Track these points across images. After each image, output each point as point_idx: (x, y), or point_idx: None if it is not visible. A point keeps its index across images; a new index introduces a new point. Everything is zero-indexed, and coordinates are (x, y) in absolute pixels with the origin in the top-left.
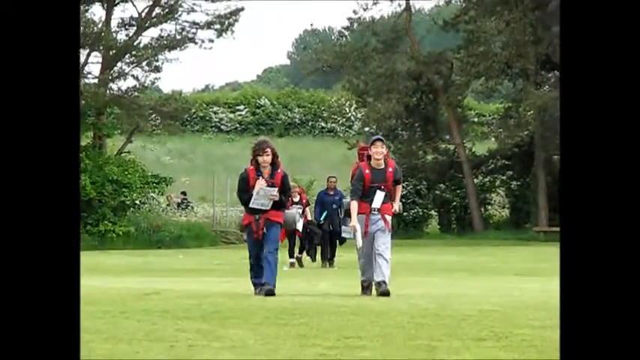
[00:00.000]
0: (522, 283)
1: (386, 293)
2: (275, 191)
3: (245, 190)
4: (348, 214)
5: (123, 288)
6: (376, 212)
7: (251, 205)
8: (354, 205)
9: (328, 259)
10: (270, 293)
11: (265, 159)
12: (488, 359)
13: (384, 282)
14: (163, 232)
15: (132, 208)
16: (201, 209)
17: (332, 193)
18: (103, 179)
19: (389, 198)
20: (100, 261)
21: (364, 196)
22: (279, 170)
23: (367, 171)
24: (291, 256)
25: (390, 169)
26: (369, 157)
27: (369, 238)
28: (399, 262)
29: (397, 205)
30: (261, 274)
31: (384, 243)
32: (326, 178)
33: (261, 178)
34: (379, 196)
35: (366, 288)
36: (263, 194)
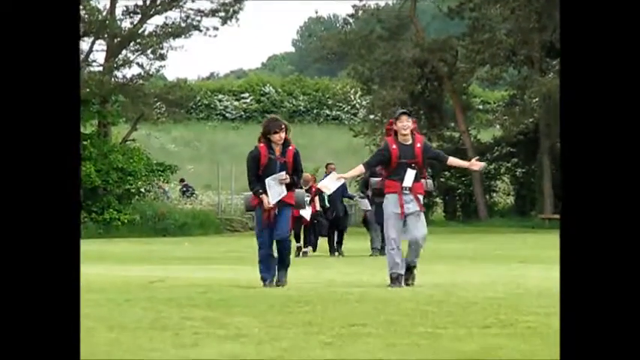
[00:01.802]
0: (527, 270)
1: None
2: (284, 174)
3: (256, 169)
4: (375, 192)
5: (128, 276)
6: (408, 191)
7: (272, 203)
8: (359, 167)
9: (336, 247)
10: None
11: (282, 136)
12: (493, 346)
13: (415, 267)
14: (168, 220)
15: (137, 196)
16: (206, 197)
17: None
18: (107, 167)
19: (420, 176)
20: (105, 249)
21: (393, 174)
22: (290, 147)
23: (394, 146)
24: (297, 240)
25: (419, 145)
26: (395, 133)
27: (400, 222)
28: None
29: (479, 164)
30: (271, 267)
31: (420, 228)
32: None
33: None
34: (410, 175)
35: (395, 279)
36: (274, 183)
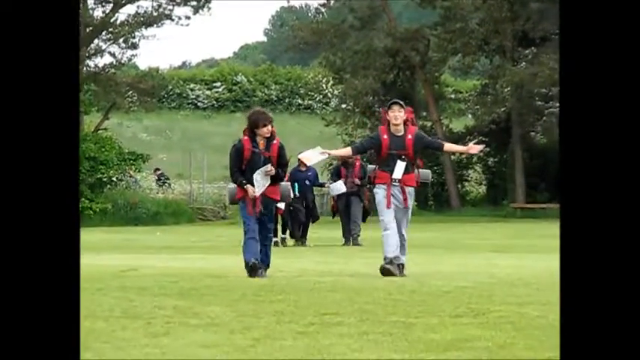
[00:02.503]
0: (499, 259)
1: (389, 273)
2: (269, 167)
3: (239, 163)
4: (371, 181)
5: (100, 265)
6: (397, 183)
7: (258, 194)
8: (347, 149)
9: (301, 237)
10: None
11: (269, 129)
12: (465, 336)
13: (398, 262)
14: (140, 209)
15: (109, 185)
16: (178, 186)
17: (304, 169)
18: (80, 156)
19: (411, 168)
20: None
21: (383, 164)
22: (275, 141)
23: (385, 136)
24: (274, 235)
25: (410, 136)
26: (389, 123)
27: (391, 210)
28: (376, 238)
29: (477, 147)
30: (255, 252)
31: (403, 224)
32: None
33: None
34: (400, 166)
35: (389, 262)
36: (261, 177)
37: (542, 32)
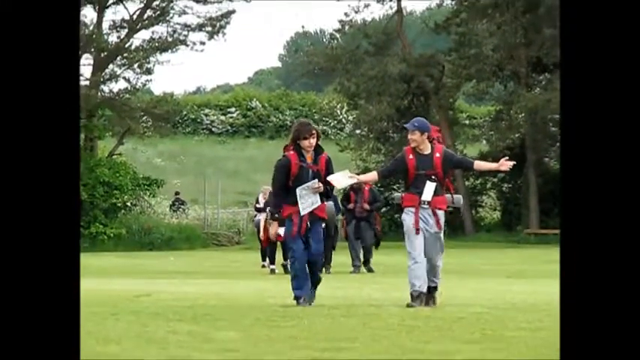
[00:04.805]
0: (513, 285)
1: (432, 302)
2: (316, 182)
3: (285, 179)
4: (399, 208)
5: (114, 290)
6: (427, 206)
7: (302, 213)
8: (373, 174)
9: (325, 264)
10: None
11: (312, 142)
12: None
13: (435, 288)
14: (154, 234)
15: (123, 210)
16: (192, 211)
17: None
18: (94, 181)
19: (441, 189)
20: (91, 263)
21: (411, 186)
22: (323, 154)
23: (411, 156)
24: (272, 262)
25: (438, 155)
26: None
27: (420, 237)
28: (390, 264)
29: (508, 164)
30: (306, 284)
31: (436, 249)
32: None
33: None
34: (429, 188)
35: (415, 298)
36: (306, 193)
37: (555, 58)
